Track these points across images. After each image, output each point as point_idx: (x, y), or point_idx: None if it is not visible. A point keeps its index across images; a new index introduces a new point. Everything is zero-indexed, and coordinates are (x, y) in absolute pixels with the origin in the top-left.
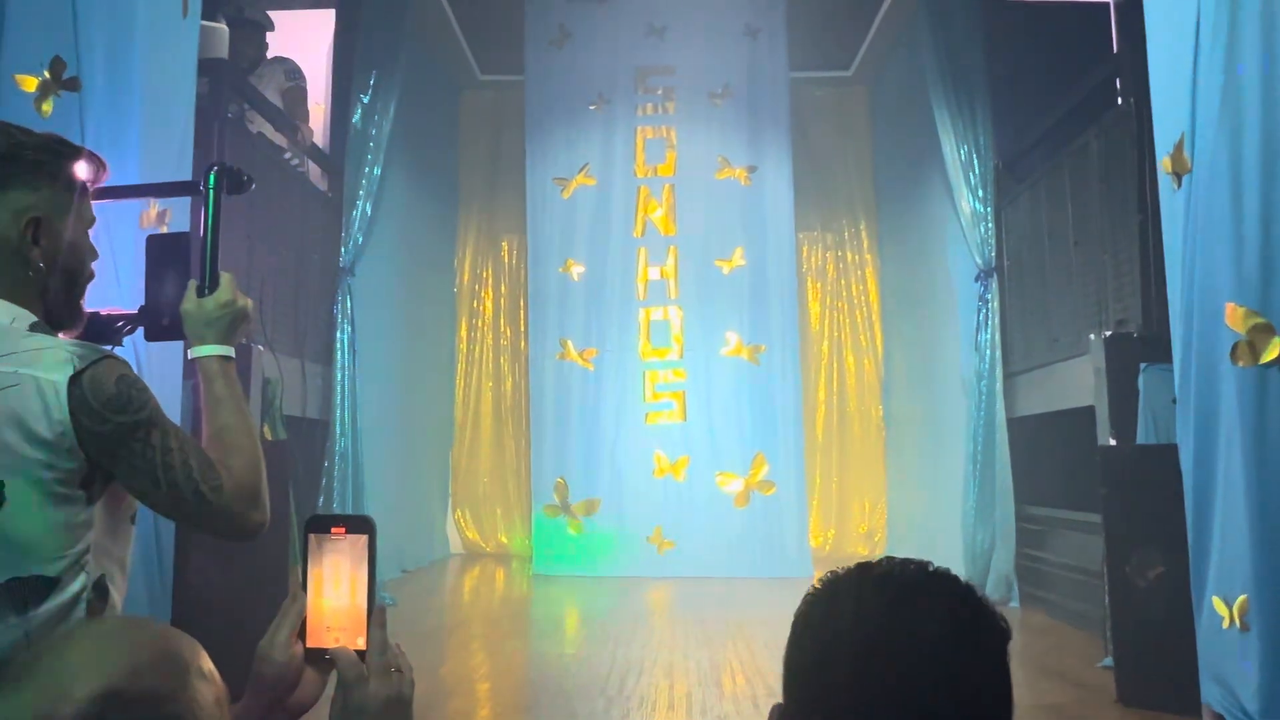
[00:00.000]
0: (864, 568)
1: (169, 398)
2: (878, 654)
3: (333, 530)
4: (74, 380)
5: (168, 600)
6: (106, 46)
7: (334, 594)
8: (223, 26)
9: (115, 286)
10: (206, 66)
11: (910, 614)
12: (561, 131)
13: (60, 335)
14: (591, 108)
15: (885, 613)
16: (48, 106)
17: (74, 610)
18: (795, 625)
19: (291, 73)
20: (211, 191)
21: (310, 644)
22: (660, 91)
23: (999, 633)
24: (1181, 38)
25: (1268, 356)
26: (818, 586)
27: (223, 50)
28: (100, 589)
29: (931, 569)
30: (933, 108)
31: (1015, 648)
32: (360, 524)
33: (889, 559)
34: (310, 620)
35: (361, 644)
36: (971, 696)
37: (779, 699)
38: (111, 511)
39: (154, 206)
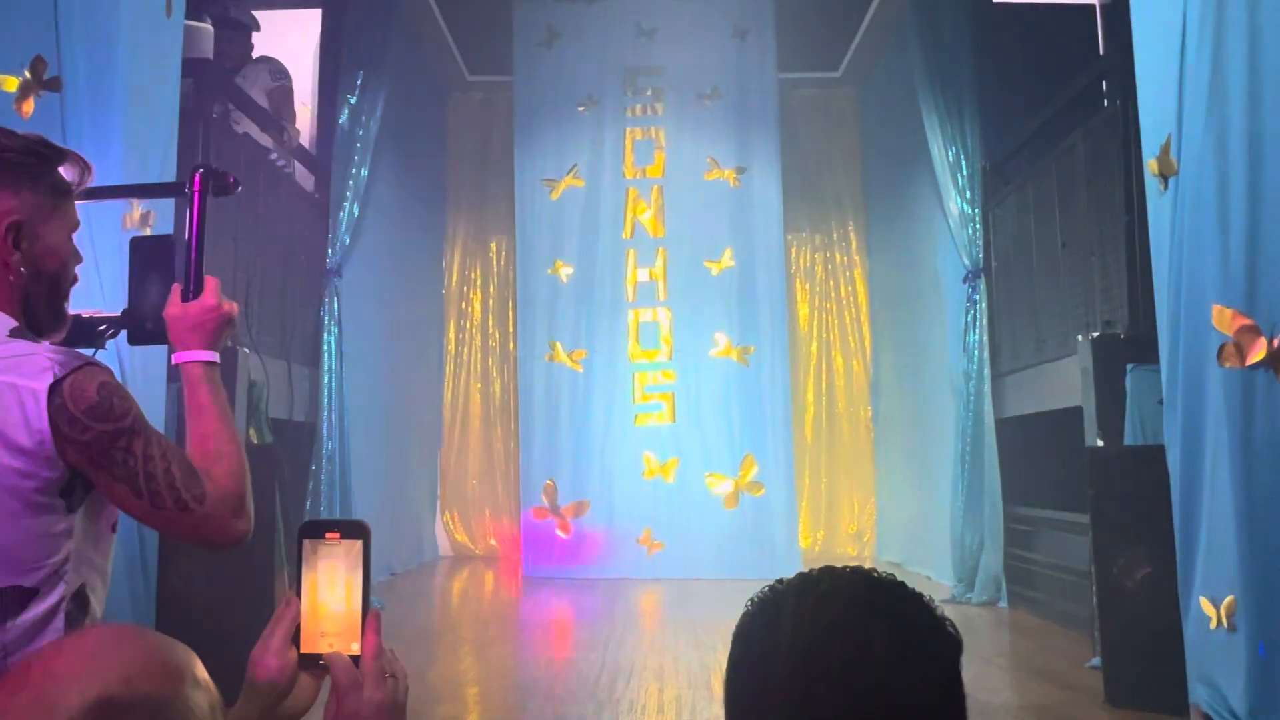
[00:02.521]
0: (805, 582)
1: (153, 403)
2: (823, 677)
3: (327, 536)
4: (54, 388)
5: (151, 607)
6: (88, 46)
7: (328, 599)
8: (207, 26)
9: (97, 289)
10: (191, 67)
11: (855, 634)
12: (550, 132)
13: (43, 340)
14: (580, 109)
15: (829, 633)
16: (28, 107)
17: (53, 621)
18: (735, 645)
19: (277, 73)
20: (197, 194)
21: (304, 649)
22: (649, 92)
23: (949, 645)
24: (1168, 40)
25: (1254, 358)
26: (756, 603)
27: (207, 50)
28: (80, 599)
29: (875, 579)
30: (920, 109)
31: (1005, 648)
32: (355, 529)
33: (829, 570)
34: (304, 626)
35: (356, 649)
36: (921, 715)
37: None
38: (92, 520)
39: (137, 208)
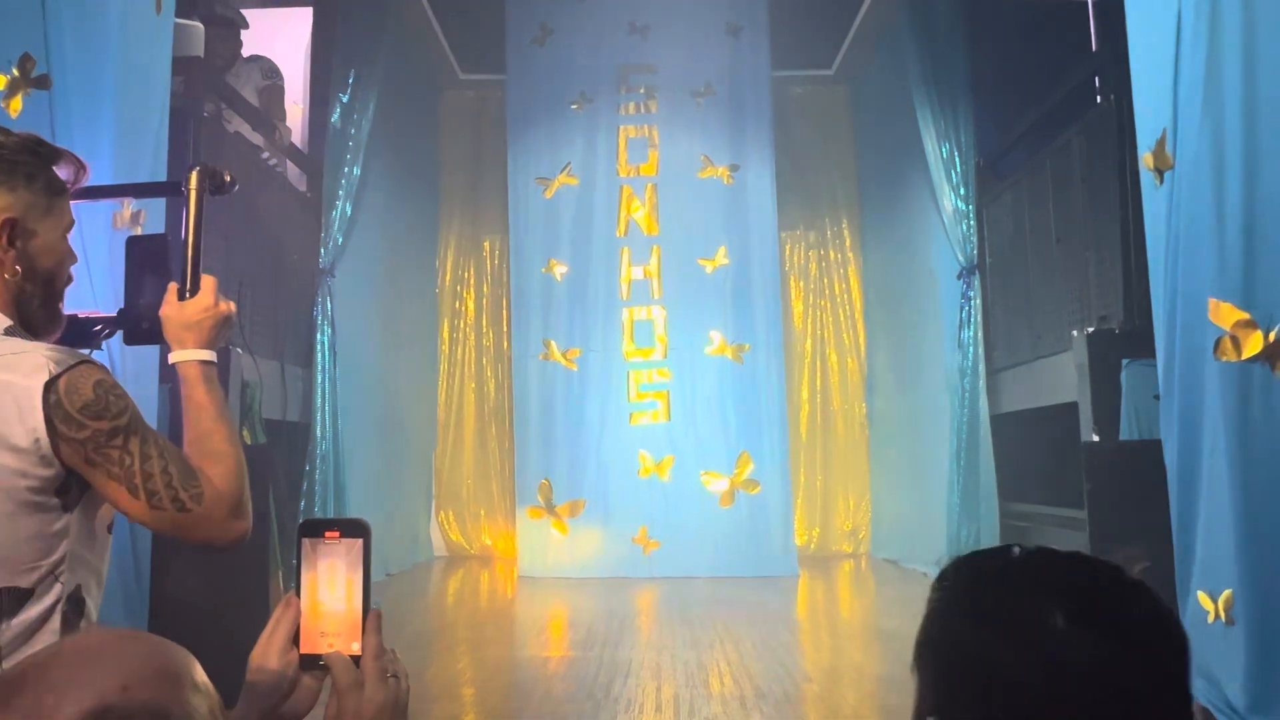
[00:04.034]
0: (1023, 574)
1: (144, 402)
2: (1063, 673)
3: (326, 535)
4: (49, 385)
5: (144, 609)
6: (77, 44)
7: (328, 599)
8: (198, 25)
9: (88, 288)
10: (181, 65)
11: (1103, 634)
12: (543, 130)
13: (38, 340)
14: (573, 106)
15: (1074, 632)
16: (16, 104)
17: (48, 622)
18: (952, 642)
19: (269, 71)
20: (193, 193)
21: (304, 650)
22: (642, 90)
23: (1182, 644)
24: (1163, 34)
25: (1250, 351)
26: (967, 598)
27: (198, 48)
28: (76, 600)
29: (1104, 568)
30: (914, 106)
31: None
32: (355, 528)
33: (1043, 554)
34: (304, 626)
35: (356, 649)
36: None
37: (766, 699)
38: (88, 520)
39: (128, 207)
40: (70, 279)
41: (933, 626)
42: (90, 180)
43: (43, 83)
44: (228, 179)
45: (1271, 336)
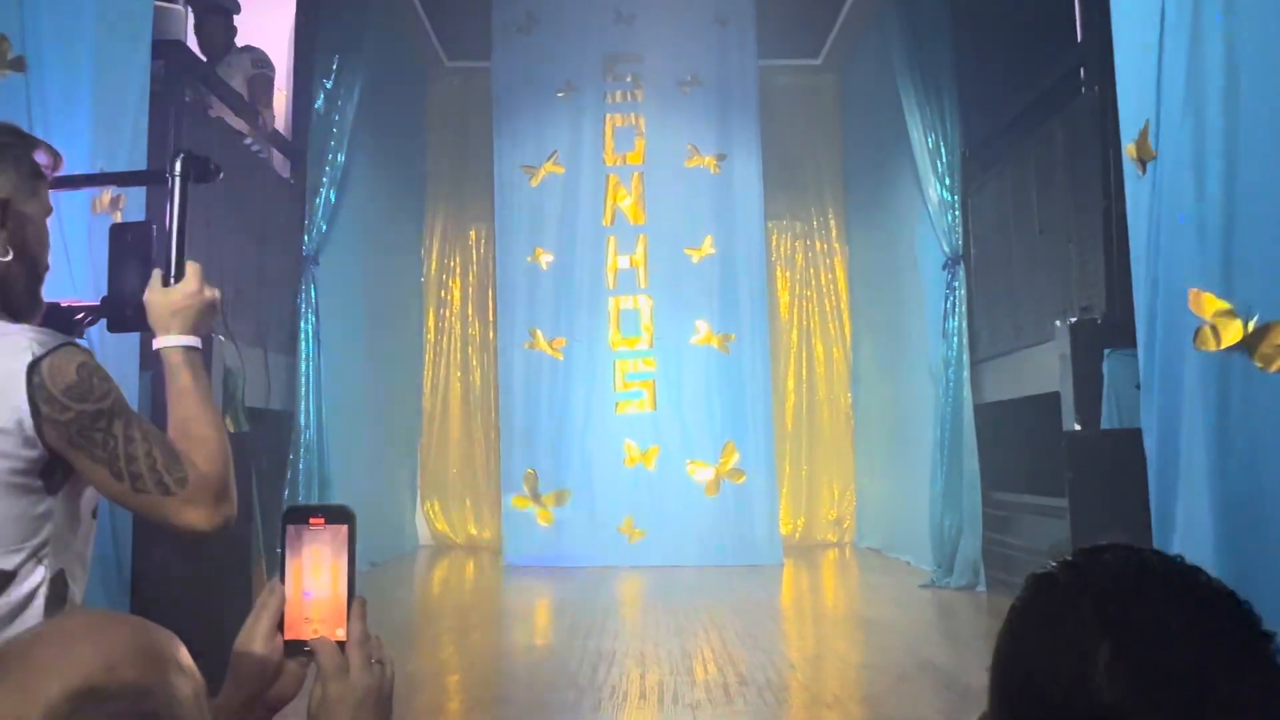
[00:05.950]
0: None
1: (126, 389)
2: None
3: (311, 521)
4: (33, 367)
5: (125, 594)
6: (54, 26)
7: (313, 585)
8: (178, 8)
9: (67, 273)
10: (162, 49)
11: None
12: (529, 118)
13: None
14: (559, 95)
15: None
16: None
17: (31, 605)
18: (1014, 668)
19: (259, 61)
20: (178, 180)
21: (289, 636)
22: (629, 79)
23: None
24: (1147, 24)
25: (1230, 341)
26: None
27: (180, 32)
28: (58, 584)
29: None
30: (900, 96)
31: (983, 631)
32: (340, 514)
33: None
34: (289, 612)
35: (341, 635)
36: None
37: (750, 686)
38: (72, 504)
39: (107, 193)
40: (48, 266)
41: (1001, 639)
42: (68, 163)
43: (18, 65)
44: (212, 166)
45: (1250, 326)
